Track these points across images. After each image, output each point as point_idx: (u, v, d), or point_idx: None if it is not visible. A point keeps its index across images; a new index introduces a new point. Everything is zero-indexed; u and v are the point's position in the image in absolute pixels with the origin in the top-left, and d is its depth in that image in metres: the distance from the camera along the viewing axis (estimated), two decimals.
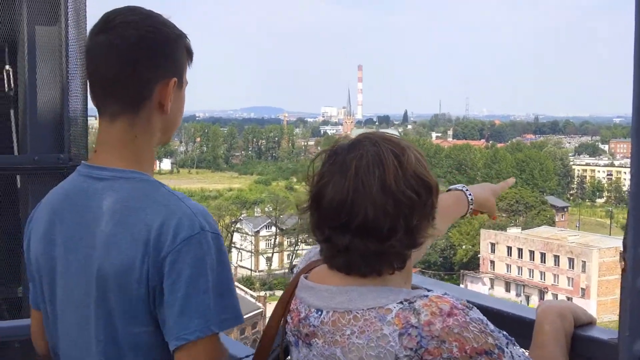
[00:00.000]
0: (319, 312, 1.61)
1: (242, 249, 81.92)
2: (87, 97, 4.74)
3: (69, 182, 1.86)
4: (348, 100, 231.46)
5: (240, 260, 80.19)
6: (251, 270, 78.62)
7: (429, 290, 1.59)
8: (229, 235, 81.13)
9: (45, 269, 1.83)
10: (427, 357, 1.47)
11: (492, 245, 75.18)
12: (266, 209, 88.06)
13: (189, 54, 1.86)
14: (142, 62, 1.75)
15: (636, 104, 1.22)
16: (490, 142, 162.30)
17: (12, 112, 5.33)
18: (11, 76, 5.27)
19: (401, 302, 1.53)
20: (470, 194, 2.24)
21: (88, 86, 1.83)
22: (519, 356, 1.53)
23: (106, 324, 1.71)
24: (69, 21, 4.71)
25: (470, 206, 2.24)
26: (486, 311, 1.58)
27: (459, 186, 2.28)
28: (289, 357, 1.78)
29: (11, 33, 5.18)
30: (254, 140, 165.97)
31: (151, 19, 1.79)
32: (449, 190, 2.28)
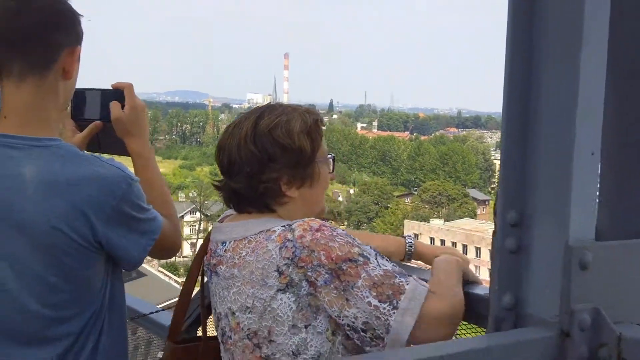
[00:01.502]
0: (224, 244, 1.90)
1: None
2: None
3: None
4: (274, 87, 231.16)
5: None
6: (175, 256, 77.50)
7: None
8: None
9: None
10: (301, 263, 1.73)
11: (416, 235, 76.12)
12: (190, 195, 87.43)
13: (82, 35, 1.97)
14: (52, 25, 1.86)
15: (507, 84, 1.38)
16: (414, 134, 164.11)
17: None
18: None
19: (284, 226, 1.80)
20: (411, 244, 2.29)
21: None
22: (385, 265, 1.74)
23: (33, 279, 1.84)
24: None
25: (407, 255, 2.27)
26: None
27: (409, 236, 2.36)
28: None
29: None
30: (178, 124, 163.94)
31: None
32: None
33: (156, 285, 36.35)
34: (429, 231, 75.20)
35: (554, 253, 1.37)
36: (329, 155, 1.99)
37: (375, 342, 1.71)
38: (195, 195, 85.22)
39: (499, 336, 1.44)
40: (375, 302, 1.69)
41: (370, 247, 1.77)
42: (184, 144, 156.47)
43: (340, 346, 1.79)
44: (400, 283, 1.70)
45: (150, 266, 48.78)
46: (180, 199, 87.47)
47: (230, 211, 2.03)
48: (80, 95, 2.17)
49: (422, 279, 1.77)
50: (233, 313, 1.86)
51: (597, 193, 1.36)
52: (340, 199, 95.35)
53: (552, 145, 1.34)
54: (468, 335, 2.01)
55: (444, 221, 79.73)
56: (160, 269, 51.36)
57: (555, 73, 1.31)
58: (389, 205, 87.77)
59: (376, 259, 1.74)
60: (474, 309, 1.80)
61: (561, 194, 1.34)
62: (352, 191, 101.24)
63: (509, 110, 1.37)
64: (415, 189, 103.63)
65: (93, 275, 1.91)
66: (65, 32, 1.89)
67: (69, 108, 2.16)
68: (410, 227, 77.16)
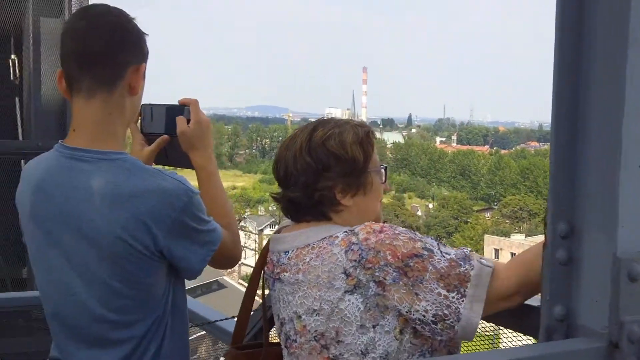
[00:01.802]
0: (286, 253, 1.96)
1: (245, 247, 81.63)
2: None
3: (48, 161, 2.02)
4: (352, 102, 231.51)
5: (244, 258, 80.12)
6: (235, 265, 77.46)
7: None
8: None
9: (35, 242, 2.02)
10: (368, 265, 1.78)
11: (496, 250, 74.86)
12: (270, 208, 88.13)
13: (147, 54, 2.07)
14: (118, 44, 1.96)
15: (555, 93, 1.40)
16: (494, 148, 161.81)
17: (17, 99, 5.52)
18: (17, 65, 5.46)
19: (346, 231, 1.87)
20: None
21: (62, 68, 2.01)
22: (448, 253, 1.79)
23: (99, 285, 1.94)
24: (72, 13, 4.91)
25: None
26: None
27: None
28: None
29: (17, 24, 5.39)
30: (258, 139, 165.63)
31: (123, 12, 1.99)
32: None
33: (236, 297, 36.77)
34: (510, 246, 73.73)
35: (604, 265, 1.37)
36: (381, 166, 2.05)
37: (447, 332, 1.77)
38: (275, 208, 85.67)
39: (549, 346, 1.44)
40: (444, 292, 1.75)
41: (430, 237, 1.83)
42: (264, 158, 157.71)
43: (407, 344, 1.83)
44: (465, 271, 1.76)
45: (230, 278, 49.32)
46: (260, 213, 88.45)
47: (286, 222, 2.10)
48: (149, 110, 2.26)
49: None
50: (299, 316, 1.91)
51: None
52: (419, 213, 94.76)
53: (599, 156, 1.34)
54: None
55: (526, 236, 78.13)
56: (240, 281, 51.90)
57: (602, 83, 1.31)
58: (468, 220, 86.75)
59: (439, 249, 1.79)
60: (525, 319, 1.80)
61: (608, 206, 1.34)
62: (431, 205, 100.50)
63: (558, 122, 1.38)
64: (495, 203, 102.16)
65: (155, 283, 1.99)
66: (131, 50, 1.99)
67: (139, 122, 2.26)
68: (491, 242, 75.93)
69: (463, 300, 1.74)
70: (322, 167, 1.95)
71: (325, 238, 1.89)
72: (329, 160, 1.95)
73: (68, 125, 4.85)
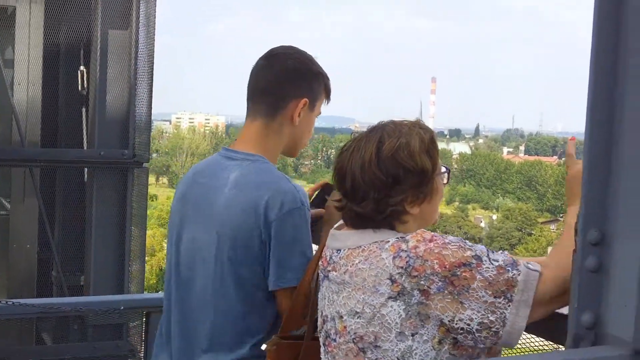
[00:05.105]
0: (339, 251, 2.00)
1: None
2: (151, 98, 5.12)
3: (210, 158, 2.48)
4: (420, 112, 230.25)
5: None
6: None
7: None
8: None
9: (176, 221, 2.42)
10: (414, 273, 1.80)
11: None
12: None
13: (327, 91, 2.45)
14: (285, 81, 2.33)
15: (590, 102, 1.43)
16: (563, 159, 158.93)
17: (83, 110, 5.71)
18: (85, 76, 5.65)
19: (397, 238, 1.89)
20: None
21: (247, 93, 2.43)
22: (496, 260, 1.79)
23: (219, 265, 2.27)
24: (139, 26, 5.07)
25: None
26: None
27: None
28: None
29: (87, 36, 5.58)
30: (324, 149, 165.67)
31: (302, 54, 2.41)
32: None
33: None
34: None
35: (634, 273, 1.39)
36: (444, 169, 2.06)
37: (491, 339, 1.77)
38: None
39: (574, 352, 1.47)
40: (491, 299, 1.75)
41: (480, 245, 1.85)
42: (329, 169, 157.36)
43: (445, 355, 1.83)
44: (512, 277, 1.76)
45: None
46: None
47: None
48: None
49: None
50: (341, 317, 1.94)
51: None
52: (482, 224, 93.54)
53: (633, 164, 1.37)
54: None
55: None
56: None
57: (638, 91, 1.34)
58: (532, 232, 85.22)
59: (488, 256, 1.80)
60: (557, 327, 1.81)
61: None
62: (494, 217, 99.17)
63: (592, 129, 1.41)
64: (561, 215, 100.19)
65: None
66: (296, 87, 2.34)
67: None
68: None
69: (509, 305, 1.75)
70: (392, 180, 1.94)
71: (376, 242, 1.91)
72: (399, 172, 1.94)
73: (130, 136, 5.00)
